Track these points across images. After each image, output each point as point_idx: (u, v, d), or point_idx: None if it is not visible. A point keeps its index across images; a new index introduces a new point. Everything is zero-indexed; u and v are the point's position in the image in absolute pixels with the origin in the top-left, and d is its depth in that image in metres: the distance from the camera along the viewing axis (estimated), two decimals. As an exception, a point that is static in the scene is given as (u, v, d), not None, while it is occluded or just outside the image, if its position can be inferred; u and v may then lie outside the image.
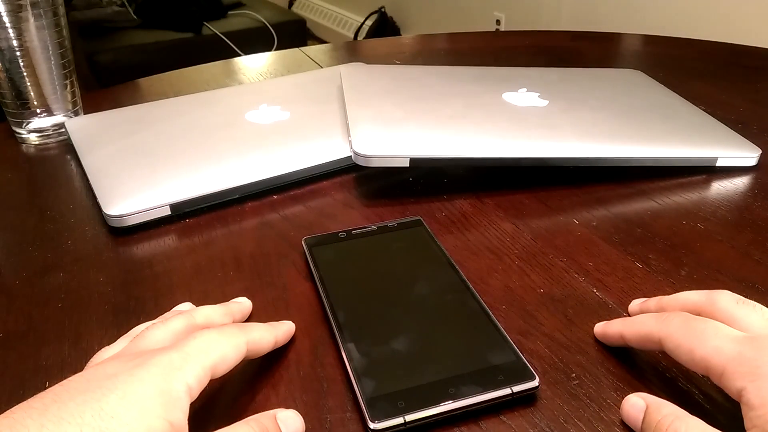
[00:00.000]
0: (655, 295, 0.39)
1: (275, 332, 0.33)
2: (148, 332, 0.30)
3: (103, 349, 0.31)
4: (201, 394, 0.27)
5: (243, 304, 0.37)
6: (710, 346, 0.28)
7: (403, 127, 0.49)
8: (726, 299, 0.31)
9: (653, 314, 0.32)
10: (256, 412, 0.28)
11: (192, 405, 0.27)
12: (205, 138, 0.53)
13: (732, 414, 0.29)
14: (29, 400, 0.25)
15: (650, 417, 0.28)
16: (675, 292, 0.39)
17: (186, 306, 0.37)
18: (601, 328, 0.35)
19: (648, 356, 0.34)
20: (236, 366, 0.30)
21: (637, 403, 0.30)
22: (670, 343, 0.30)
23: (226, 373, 0.29)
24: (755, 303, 0.31)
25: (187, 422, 0.26)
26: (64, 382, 0.26)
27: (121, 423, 0.24)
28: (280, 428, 0.28)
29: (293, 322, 0.36)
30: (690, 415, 0.27)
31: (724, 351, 0.28)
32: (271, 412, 0.29)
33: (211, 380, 0.28)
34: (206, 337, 0.29)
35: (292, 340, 0.36)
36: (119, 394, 0.25)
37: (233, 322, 0.35)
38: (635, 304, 0.37)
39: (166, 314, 0.35)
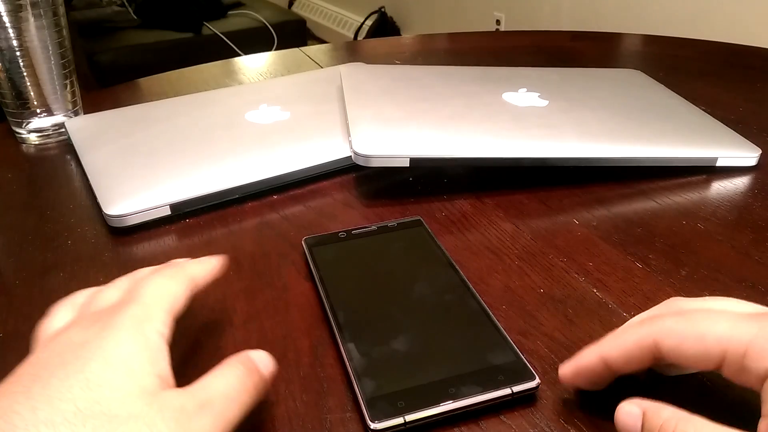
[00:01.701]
0: (655, 295, 0.39)
1: (207, 266, 0.33)
2: (98, 295, 0.30)
3: (44, 322, 0.29)
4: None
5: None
6: (723, 327, 0.26)
7: (403, 127, 0.49)
8: (685, 301, 0.29)
9: (634, 323, 0.29)
10: (256, 413, 0.28)
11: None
12: (205, 138, 0.53)
13: (732, 409, 0.29)
14: (6, 384, 0.24)
15: (650, 423, 0.26)
16: (675, 292, 0.39)
17: None
18: (570, 365, 0.30)
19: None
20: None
21: (632, 411, 0.27)
22: (671, 340, 0.27)
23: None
24: (714, 297, 0.30)
25: (171, 369, 0.26)
26: (31, 360, 0.25)
27: (112, 389, 0.23)
28: (258, 366, 0.28)
29: (293, 322, 0.36)
30: (693, 415, 0.25)
31: (742, 329, 0.25)
32: (243, 352, 0.29)
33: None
34: (154, 283, 0.29)
35: (293, 340, 0.36)
36: (100, 360, 0.24)
37: None
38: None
39: None
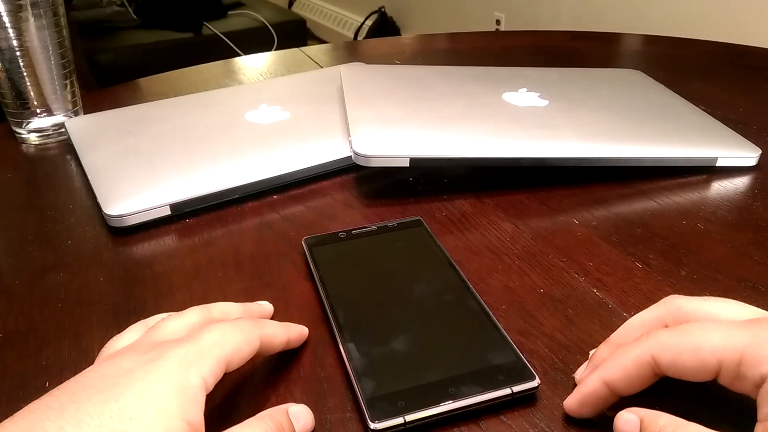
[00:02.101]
0: (655, 295, 0.39)
1: (288, 331, 0.33)
2: (164, 323, 0.30)
3: (114, 338, 0.31)
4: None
5: (263, 306, 0.37)
6: (716, 337, 0.26)
7: (403, 127, 0.49)
8: (684, 300, 0.30)
9: (628, 344, 0.29)
10: (256, 413, 0.28)
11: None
12: (205, 138, 0.53)
13: (728, 415, 0.29)
14: (45, 398, 0.25)
15: (648, 430, 0.26)
16: (675, 292, 0.39)
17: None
18: (575, 396, 0.30)
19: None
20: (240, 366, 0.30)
21: (630, 419, 0.27)
22: (668, 355, 0.27)
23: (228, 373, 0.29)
24: (713, 297, 0.30)
25: (202, 418, 0.26)
26: (79, 377, 0.26)
27: (139, 424, 0.24)
28: (292, 423, 0.29)
29: (293, 322, 0.36)
30: (689, 422, 0.26)
31: (735, 337, 0.26)
32: (283, 406, 0.29)
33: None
34: (221, 330, 0.29)
35: (292, 340, 0.36)
36: (136, 393, 0.25)
37: None
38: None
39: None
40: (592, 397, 0.29)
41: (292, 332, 0.34)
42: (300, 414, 0.29)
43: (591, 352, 0.33)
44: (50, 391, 0.25)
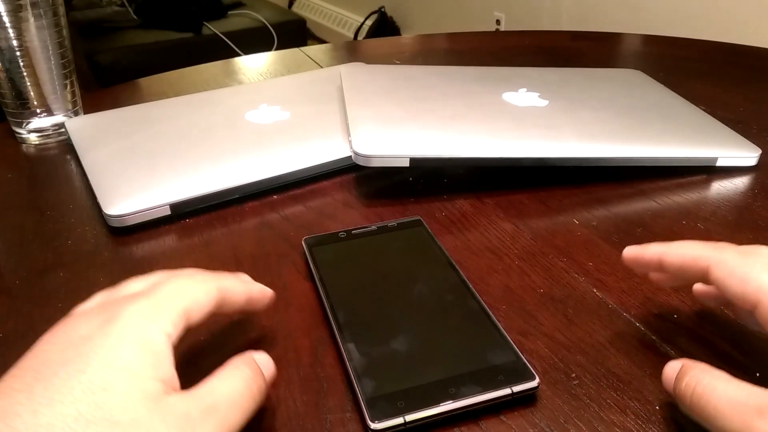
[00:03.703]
0: (655, 294, 0.39)
1: (249, 287, 0.32)
2: (123, 285, 0.29)
3: (78, 306, 0.29)
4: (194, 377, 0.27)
5: (237, 274, 0.35)
6: (766, 277, 0.28)
7: (403, 127, 0.49)
8: (731, 254, 0.30)
9: (696, 242, 0.31)
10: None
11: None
12: (205, 138, 0.53)
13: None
14: (7, 380, 0.23)
15: (683, 371, 0.29)
16: (675, 292, 0.39)
17: None
18: (634, 250, 0.34)
19: (647, 356, 0.34)
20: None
21: (674, 366, 0.30)
22: (722, 270, 0.29)
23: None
24: (757, 248, 0.30)
25: (175, 372, 0.25)
26: (36, 351, 0.25)
27: (114, 393, 0.23)
28: (261, 370, 0.28)
29: (293, 322, 0.36)
30: (719, 370, 0.28)
31: None
32: (248, 353, 0.28)
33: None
34: (176, 282, 0.28)
35: (293, 340, 0.36)
36: (102, 360, 0.24)
37: None
38: (630, 250, 0.34)
39: None
40: (645, 260, 0.33)
41: (254, 289, 0.32)
42: (267, 362, 0.29)
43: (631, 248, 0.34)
44: (9, 371, 0.24)
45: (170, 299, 0.27)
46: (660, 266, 0.32)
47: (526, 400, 0.32)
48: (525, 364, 0.32)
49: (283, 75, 0.78)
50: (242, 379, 0.27)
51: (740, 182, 0.51)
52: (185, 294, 0.28)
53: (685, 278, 0.32)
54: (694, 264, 0.31)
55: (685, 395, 0.28)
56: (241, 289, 0.31)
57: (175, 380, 0.25)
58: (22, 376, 0.23)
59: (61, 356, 0.24)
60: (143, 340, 0.25)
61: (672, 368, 0.30)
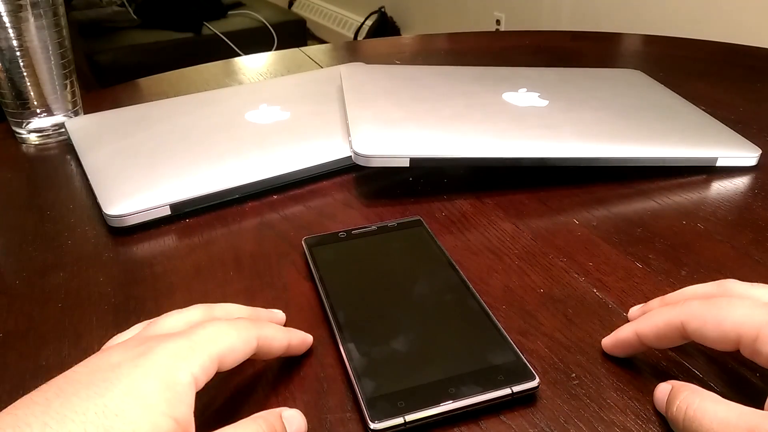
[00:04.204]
0: (655, 295, 0.39)
1: (289, 336, 0.33)
2: (162, 319, 0.30)
3: (116, 335, 0.30)
4: (200, 392, 0.27)
5: (274, 312, 0.36)
6: (739, 314, 0.28)
7: (403, 127, 0.49)
8: (736, 284, 0.32)
9: (666, 305, 0.32)
10: (255, 412, 0.28)
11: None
12: (205, 138, 0.53)
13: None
14: (32, 393, 0.24)
15: (673, 393, 0.29)
16: (675, 292, 0.39)
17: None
18: (611, 338, 0.34)
19: (648, 356, 0.34)
20: (241, 364, 0.29)
21: (665, 388, 0.30)
22: (695, 322, 0.29)
23: (227, 372, 0.29)
24: (764, 284, 0.31)
25: (192, 416, 0.25)
26: (69, 373, 0.25)
27: (125, 421, 0.23)
28: (285, 427, 0.28)
29: (293, 322, 0.36)
30: (709, 392, 0.28)
31: (756, 315, 0.28)
32: (277, 410, 0.29)
33: (217, 373, 0.27)
34: (215, 327, 0.28)
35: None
36: (123, 388, 0.24)
37: None
38: (636, 309, 0.36)
39: None
40: (624, 343, 0.33)
41: (294, 337, 0.33)
42: (293, 418, 0.29)
43: (634, 308, 0.37)
44: (39, 387, 0.25)
45: (206, 344, 0.27)
46: (639, 342, 0.32)
47: (526, 400, 0.32)
48: (525, 364, 0.32)
49: (283, 75, 0.78)
50: None
51: (740, 182, 0.51)
52: (223, 340, 0.28)
53: (669, 342, 0.31)
54: (668, 328, 0.31)
55: (678, 418, 0.28)
56: (281, 337, 0.32)
57: (190, 424, 0.25)
58: (45, 390, 0.24)
59: (88, 378, 0.25)
60: (167, 377, 0.25)
61: (662, 391, 0.30)
